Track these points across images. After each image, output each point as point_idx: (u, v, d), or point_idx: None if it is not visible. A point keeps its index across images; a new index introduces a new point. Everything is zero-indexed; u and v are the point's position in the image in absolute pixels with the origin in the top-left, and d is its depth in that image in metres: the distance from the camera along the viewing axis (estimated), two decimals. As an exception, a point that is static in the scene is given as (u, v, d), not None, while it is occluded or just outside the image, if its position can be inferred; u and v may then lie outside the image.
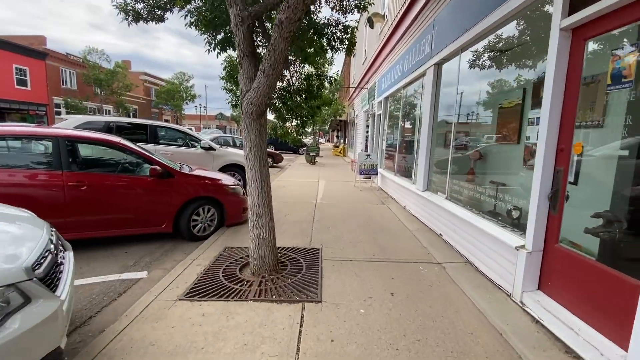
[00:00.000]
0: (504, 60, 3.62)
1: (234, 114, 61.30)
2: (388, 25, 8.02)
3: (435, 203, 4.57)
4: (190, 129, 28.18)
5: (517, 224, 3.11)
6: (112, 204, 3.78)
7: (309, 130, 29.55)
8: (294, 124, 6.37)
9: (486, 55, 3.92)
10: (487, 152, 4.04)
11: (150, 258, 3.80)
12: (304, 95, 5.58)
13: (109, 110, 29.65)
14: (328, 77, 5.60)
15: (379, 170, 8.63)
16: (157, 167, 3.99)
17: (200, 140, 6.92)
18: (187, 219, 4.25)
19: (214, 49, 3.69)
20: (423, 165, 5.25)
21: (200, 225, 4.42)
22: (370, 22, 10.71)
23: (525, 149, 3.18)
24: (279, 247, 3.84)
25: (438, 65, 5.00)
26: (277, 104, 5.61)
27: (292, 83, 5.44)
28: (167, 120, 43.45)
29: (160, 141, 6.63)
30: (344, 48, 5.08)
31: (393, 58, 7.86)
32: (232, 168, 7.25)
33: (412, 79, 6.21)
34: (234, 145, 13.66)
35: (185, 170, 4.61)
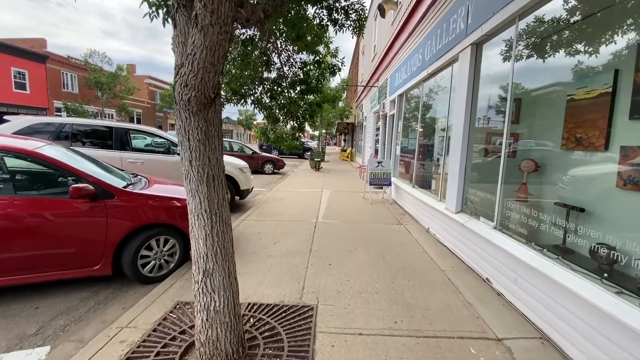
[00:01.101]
0: (588, 29, 2.38)
1: (240, 117, 60.68)
2: (404, 7, 6.77)
3: (478, 233, 3.28)
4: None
5: (610, 272, 2.01)
6: (13, 239, 2.61)
7: (316, 133, 28.32)
8: (288, 126, 5.16)
9: (556, 21, 2.64)
10: (546, 162, 2.82)
11: (67, 319, 2.61)
12: (299, 89, 4.37)
13: (112, 114, 29.11)
14: (330, 65, 4.39)
15: (393, 179, 7.34)
16: (86, 185, 2.82)
17: (177, 145, 5.77)
18: (132, 255, 3.06)
19: (157, 13, 2.50)
20: (456, 178, 3.96)
21: (153, 262, 3.23)
22: (381, 10, 9.49)
23: (621, 159, 2.05)
24: (252, 304, 2.60)
25: (477, 45, 3.73)
26: (264, 100, 4.42)
27: (285, 73, 4.24)
28: (172, 125, 42.92)
29: (129, 147, 5.50)
30: (350, 25, 3.86)
31: (410, 47, 6.61)
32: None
33: (436, 68, 4.94)
34: (230, 150, 12.55)
35: (138, 186, 3.44)
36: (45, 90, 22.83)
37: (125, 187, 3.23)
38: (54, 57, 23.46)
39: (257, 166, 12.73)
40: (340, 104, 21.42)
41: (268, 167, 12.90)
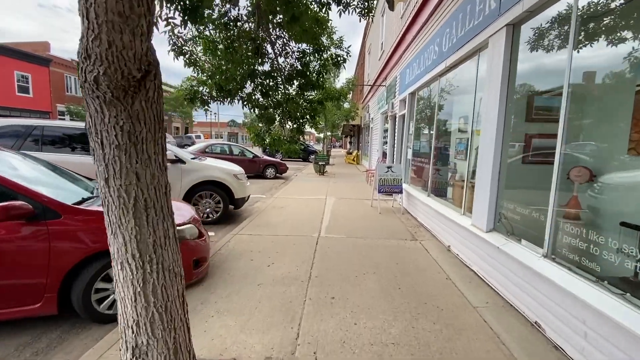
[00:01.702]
0: None
1: (246, 120, 60.42)
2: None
3: (521, 262, 2.58)
4: (199, 137, 27.25)
5: None
6: None
7: (321, 136, 27.61)
8: (287, 127, 4.52)
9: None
10: (605, 170, 2.17)
11: (-15, 380, 1.99)
12: (297, 83, 3.73)
13: (116, 118, 28.91)
14: (333, 56, 3.74)
15: (404, 186, 6.64)
16: (21, 204, 2.21)
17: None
18: (83, 289, 2.44)
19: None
20: (486, 189, 3.26)
21: (113, 296, 2.60)
22: (390, 3, 8.85)
23: None
24: (228, 368, 1.94)
25: (514, 27, 3.04)
26: (257, 98, 3.79)
27: (279, 65, 3.60)
28: (177, 128, 42.75)
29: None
30: (358, 6, 3.23)
31: (424, 38, 5.93)
32: (209, 187, 5.45)
33: (457, 59, 4.25)
34: (230, 154, 11.96)
35: (98, 201, 2.83)
36: (48, 94, 22.69)
37: (79, 202, 2.61)
38: (58, 60, 23.34)
39: (258, 170, 12.12)
40: (346, 105, 20.80)
41: (270, 172, 12.29)
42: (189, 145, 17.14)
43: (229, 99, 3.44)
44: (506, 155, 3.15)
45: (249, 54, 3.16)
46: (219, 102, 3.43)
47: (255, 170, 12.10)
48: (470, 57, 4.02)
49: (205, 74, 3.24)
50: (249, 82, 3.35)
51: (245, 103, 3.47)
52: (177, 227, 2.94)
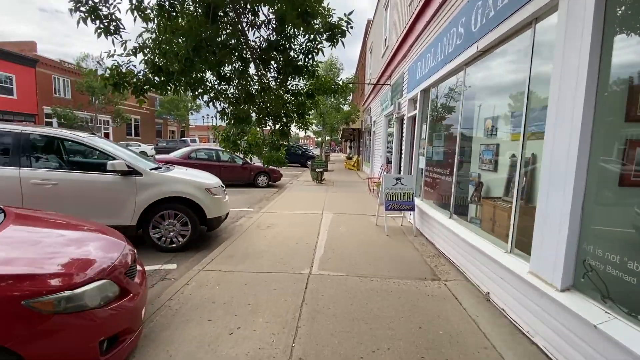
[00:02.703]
0: None
1: (244, 124, 59.53)
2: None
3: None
4: (194, 141, 26.07)
5: None
6: None
7: (319, 140, 26.55)
8: (266, 128, 3.41)
9: None
10: None
11: None
12: (275, 65, 2.61)
13: (107, 121, 27.88)
14: (328, 25, 2.63)
15: (416, 201, 5.51)
16: None
17: (114, 158, 4.03)
18: None
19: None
20: (562, 223, 2.13)
21: None
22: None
23: None
24: None
25: (610, -28, 1.93)
26: (221, 86, 2.66)
27: (247, 39, 2.49)
28: (172, 132, 41.70)
29: (36, 161, 3.81)
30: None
31: (442, 21, 4.84)
32: (174, 205, 4.31)
33: (496, 39, 3.15)
34: (217, 160, 10.84)
35: None
36: (34, 96, 21.64)
37: None
38: (45, 60, 22.33)
39: (249, 179, 11.01)
40: (346, 107, 19.79)
41: (262, 180, 11.16)
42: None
43: (174, 85, 2.32)
44: (596, 174, 2.03)
45: (198, 14, 2.06)
46: (158, 91, 2.33)
47: (246, 178, 11.00)
48: (518, 33, 2.92)
49: (131, 48, 2.15)
50: (198, 59, 2.24)
51: (196, 93, 2.35)
52: (73, 291, 1.81)
